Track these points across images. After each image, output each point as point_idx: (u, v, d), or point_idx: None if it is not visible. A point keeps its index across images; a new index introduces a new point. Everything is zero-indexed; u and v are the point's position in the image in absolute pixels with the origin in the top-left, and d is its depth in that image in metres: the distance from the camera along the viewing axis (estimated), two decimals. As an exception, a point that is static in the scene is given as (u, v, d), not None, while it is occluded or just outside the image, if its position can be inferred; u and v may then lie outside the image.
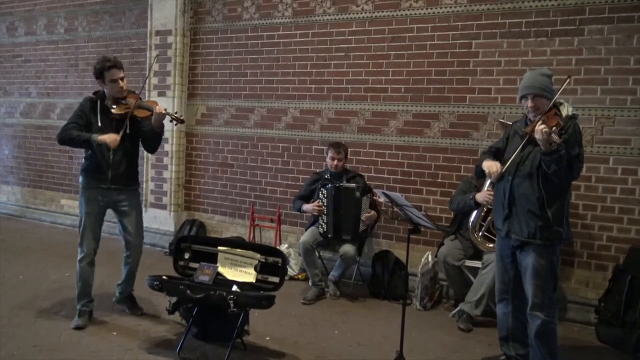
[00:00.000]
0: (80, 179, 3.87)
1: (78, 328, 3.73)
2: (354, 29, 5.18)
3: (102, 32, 6.88)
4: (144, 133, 3.82)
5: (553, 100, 2.98)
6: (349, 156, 4.91)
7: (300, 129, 5.53)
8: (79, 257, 3.84)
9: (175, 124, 3.87)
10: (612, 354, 3.76)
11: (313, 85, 5.44)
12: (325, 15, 5.33)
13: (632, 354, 3.63)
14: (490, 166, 3.13)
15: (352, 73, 5.21)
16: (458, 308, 4.21)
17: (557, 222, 2.99)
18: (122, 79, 3.73)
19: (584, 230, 4.29)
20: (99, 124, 3.73)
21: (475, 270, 4.23)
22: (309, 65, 5.44)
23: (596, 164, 4.22)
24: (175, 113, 3.83)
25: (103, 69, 3.68)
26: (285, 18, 5.56)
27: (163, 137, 3.95)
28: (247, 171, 5.89)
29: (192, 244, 3.78)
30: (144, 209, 5.45)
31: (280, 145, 5.66)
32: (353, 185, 4.63)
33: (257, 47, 5.76)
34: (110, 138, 3.63)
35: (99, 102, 3.77)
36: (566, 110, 3.04)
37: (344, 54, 5.24)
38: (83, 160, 3.88)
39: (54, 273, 5.05)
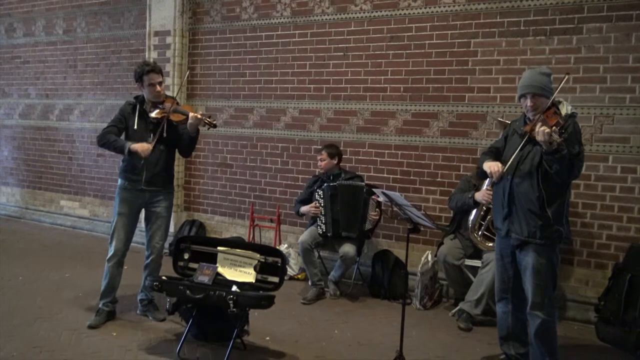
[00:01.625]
0: (119, 180, 3.93)
1: (91, 327, 3.75)
2: (352, 28, 5.18)
3: (101, 33, 6.87)
4: (180, 137, 3.88)
5: (552, 99, 2.98)
6: (348, 156, 4.91)
7: (300, 129, 5.53)
8: (107, 256, 3.89)
9: (208, 129, 3.92)
10: (612, 352, 3.76)
11: (312, 85, 5.43)
12: (324, 15, 5.33)
13: (632, 352, 3.64)
14: (492, 166, 3.11)
15: (350, 73, 5.20)
16: (458, 307, 4.21)
17: (557, 221, 2.99)
18: (159, 83, 3.80)
19: (584, 229, 4.29)
20: (135, 127, 3.82)
21: (475, 270, 4.23)
22: (308, 65, 5.44)
23: (595, 162, 4.22)
24: (209, 117, 3.85)
25: (142, 73, 3.77)
26: (284, 18, 5.56)
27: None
28: (247, 171, 5.89)
29: (192, 244, 3.77)
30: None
31: (280, 145, 5.66)
32: (360, 183, 4.65)
33: (255, 47, 5.75)
34: (142, 148, 3.69)
35: (138, 105, 3.85)
36: (565, 108, 3.03)
37: (342, 53, 5.24)
38: (121, 162, 3.96)
39: (53, 274, 5.05)
